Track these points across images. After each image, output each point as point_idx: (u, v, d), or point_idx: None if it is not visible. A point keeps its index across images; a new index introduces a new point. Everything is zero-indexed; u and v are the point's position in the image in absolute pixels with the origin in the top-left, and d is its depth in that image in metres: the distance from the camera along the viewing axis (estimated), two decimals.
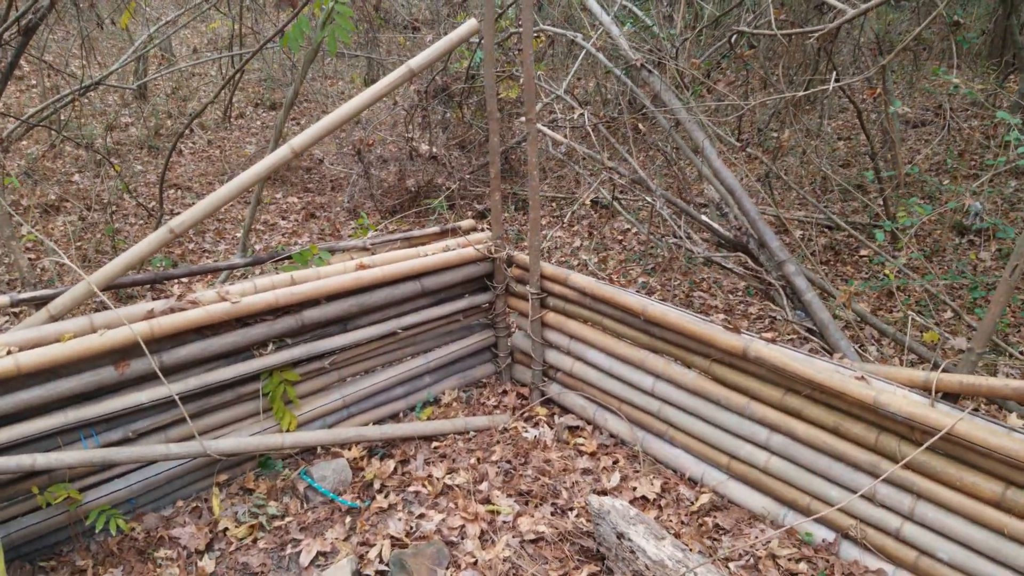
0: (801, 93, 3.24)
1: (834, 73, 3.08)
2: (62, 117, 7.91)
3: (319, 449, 3.30)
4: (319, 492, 3.05)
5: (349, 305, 3.25)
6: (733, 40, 4.33)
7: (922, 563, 2.56)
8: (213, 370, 2.98)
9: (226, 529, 2.91)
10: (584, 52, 5.30)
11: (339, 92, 10.30)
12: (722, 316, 5.22)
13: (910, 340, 3.33)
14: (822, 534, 2.82)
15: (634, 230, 7.07)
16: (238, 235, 6.82)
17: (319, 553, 2.79)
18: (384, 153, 7.35)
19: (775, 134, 8.54)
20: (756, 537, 2.86)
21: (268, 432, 3.17)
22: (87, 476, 2.81)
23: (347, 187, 7.44)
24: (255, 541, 2.86)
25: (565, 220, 5.52)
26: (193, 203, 7.47)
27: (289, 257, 3.29)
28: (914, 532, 2.57)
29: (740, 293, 5.88)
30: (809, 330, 3.68)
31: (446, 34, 7.75)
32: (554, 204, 7.56)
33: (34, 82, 10.23)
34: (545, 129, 4.57)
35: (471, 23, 2.90)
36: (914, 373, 2.64)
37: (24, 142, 8.31)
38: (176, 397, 2.80)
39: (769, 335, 2.92)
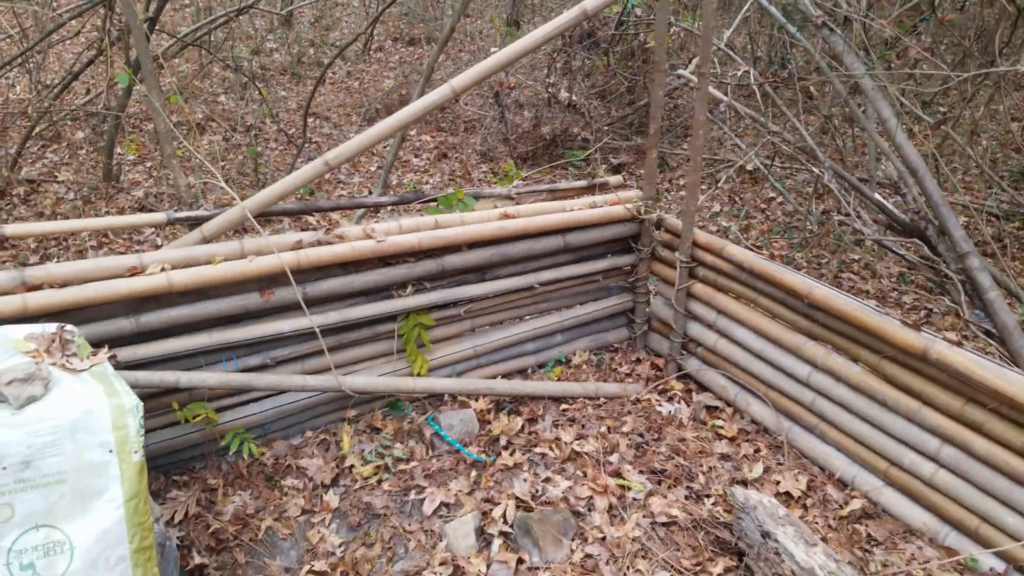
0: (1002, 69, 2.78)
1: None
2: (212, 38, 8.16)
3: (446, 396, 3.24)
4: (445, 440, 2.99)
5: (490, 254, 3.13)
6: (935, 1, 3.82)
7: None
8: (353, 306, 2.94)
9: (352, 466, 2.90)
10: (751, 3, 4.88)
11: (478, 31, 10.12)
12: (874, 302, 4.82)
13: None
14: (990, 562, 2.52)
15: (779, 199, 6.62)
16: (371, 168, 6.86)
17: (442, 503, 2.73)
18: (521, 98, 7.16)
19: (943, 109, 7.74)
20: (913, 555, 2.59)
21: (400, 373, 3.13)
22: (224, 398, 2.85)
23: (480, 129, 7.32)
24: (380, 482, 2.84)
25: (719, 183, 5.17)
26: (331, 132, 7.57)
27: (434, 200, 3.19)
28: None
29: (895, 280, 5.40)
30: (988, 332, 3.28)
31: None
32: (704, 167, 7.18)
33: (187, 1, 10.59)
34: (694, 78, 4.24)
35: None
36: None
37: (175, 60, 8.63)
38: (317, 329, 2.78)
39: (953, 336, 2.59)
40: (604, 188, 3.55)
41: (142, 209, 5.23)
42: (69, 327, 2.14)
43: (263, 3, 7.68)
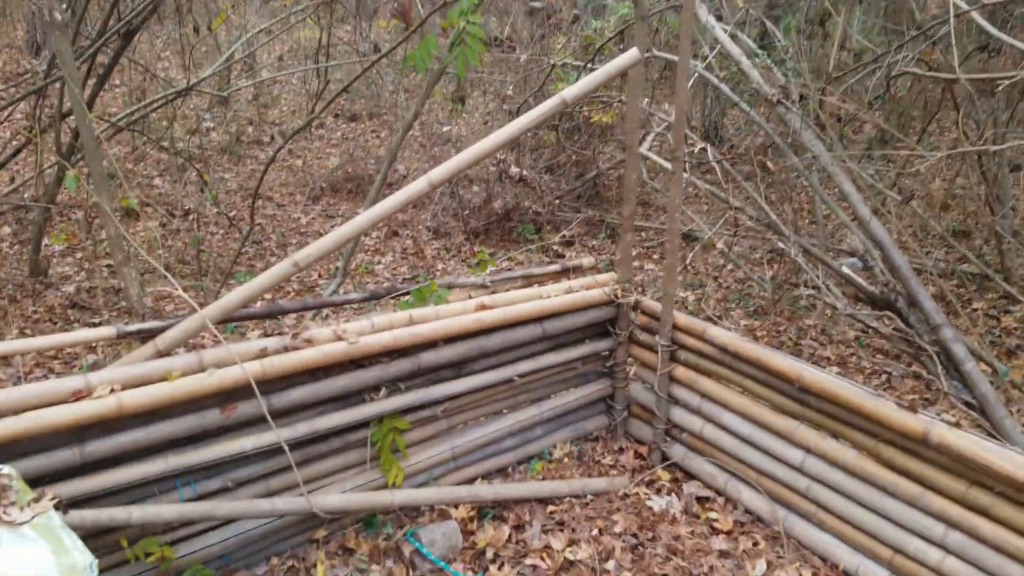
0: (994, 147, 2.85)
1: None
2: (147, 119, 7.90)
3: (423, 507, 3.01)
4: (427, 559, 2.75)
5: (467, 348, 2.96)
6: (890, 81, 3.94)
7: None
8: (322, 415, 2.72)
9: None
10: (695, 78, 4.98)
11: (423, 108, 10.13)
12: (836, 370, 4.82)
13: None
14: None
15: (729, 266, 6.68)
16: None
17: None
18: (471, 173, 7.12)
19: (911, 185, 8.03)
20: None
21: (373, 484, 2.90)
22: (180, 528, 2.56)
23: (430, 205, 7.22)
24: None
25: (688, 259, 5.15)
26: (275, 213, 7.35)
27: (407, 293, 3.02)
28: None
29: (852, 344, 5.44)
30: (968, 403, 3.26)
31: (538, 56, 7.49)
32: (642, 234, 7.22)
33: (117, 82, 10.31)
34: (654, 156, 4.25)
35: (633, 53, 2.60)
36: None
37: (105, 144, 8.33)
38: (284, 444, 2.54)
39: (954, 419, 2.53)
40: (577, 271, 3.46)
41: (73, 306, 4.88)
42: (6, 470, 1.87)
43: (204, 85, 7.51)
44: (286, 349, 2.57)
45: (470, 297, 3.14)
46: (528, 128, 2.53)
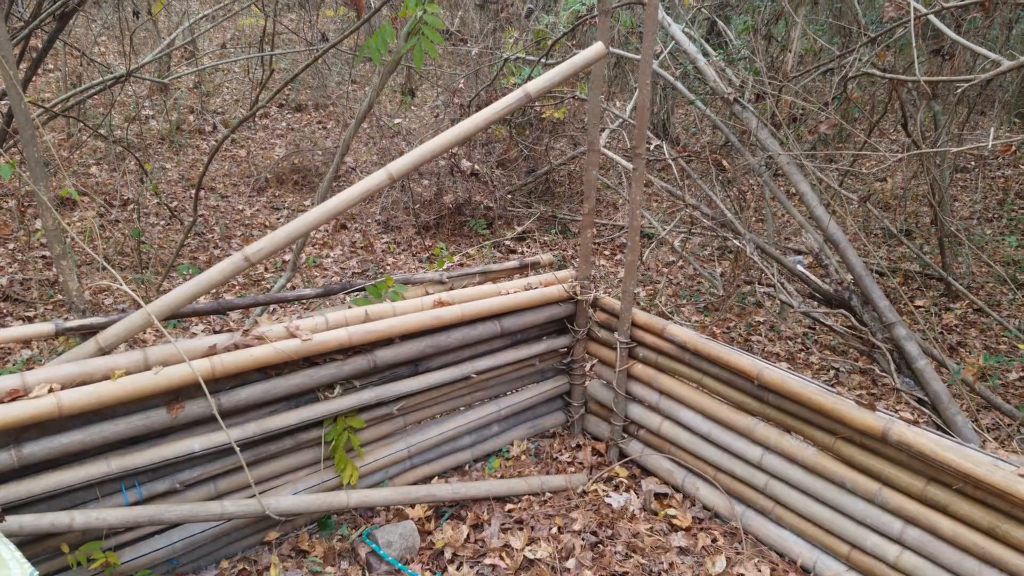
0: (955, 149, 2.91)
1: (992, 128, 2.76)
2: (83, 105, 7.54)
3: (379, 507, 2.92)
4: (384, 560, 2.67)
5: (425, 345, 2.89)
6: (847, 82, 4.00)
7: None
8: (274, 414, 2.61)
9: None
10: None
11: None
12: (786, 365, 4.89)
13: None
14: None
15: (679, 262, 6.75)
16: None
17: None
18: (421, 167, 7.00)
19: (857, 186, 8.20)
20: None
21: (328, 484, 2.80)
22: (125, 532, 2.43)
23: (379, 199, 7.08)
24: None
25: (644, 257, 5.16)
26: (218, 204, 7.11)
27: (362, 289, 2.93)
28: None
29: (799, 340, 5.55)
30: (920, 400, 3.34)
31: (490, 49, 7.42)
32: (594, 230, 7.23)
33: (51, 67, 9.84)
34: (611, 154, 4.24)
35: (599, 47, 2.56)
36: None
37: (40, 130, 7.92)
38: (234, 445, 2.43)
39: (910, 416, 2.58)
40: (535, 267, 3.41)
41: (6, 299, 4.61)
42: None
43: (145, 71, 7.20)
44: (236, 346, 2.45)
45: (427, 293, 3.07)
46: (492, 120, 2.47)
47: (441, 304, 2.94)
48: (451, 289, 3.13)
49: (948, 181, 7.05)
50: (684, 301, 6.00)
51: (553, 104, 6.68)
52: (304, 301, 3.82)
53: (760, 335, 5.48)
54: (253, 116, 8.64)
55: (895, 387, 3.36)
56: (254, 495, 2.54)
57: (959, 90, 3.68)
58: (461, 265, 5.91)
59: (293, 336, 2.55)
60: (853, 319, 3.47)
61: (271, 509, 2.48)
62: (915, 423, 2.53)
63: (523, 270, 3.42)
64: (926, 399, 3.22)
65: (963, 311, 5.93)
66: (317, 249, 6.32)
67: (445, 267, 3.22)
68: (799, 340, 5.39)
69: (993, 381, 4.85)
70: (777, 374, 2.79)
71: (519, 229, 6.70)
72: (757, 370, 2.82)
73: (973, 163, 9.93)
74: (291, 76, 3.61)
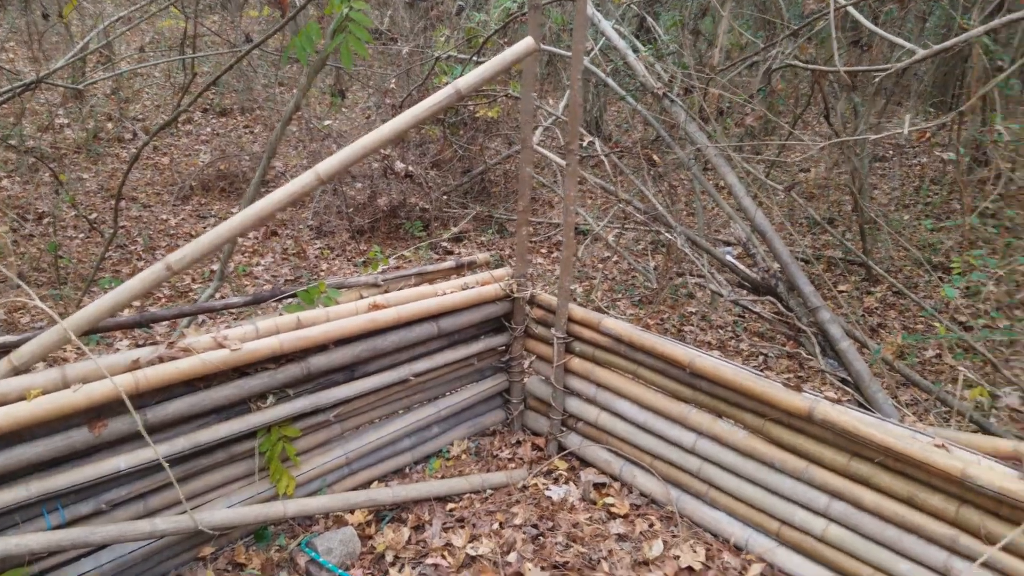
0: (873, 136, 3.03)
1: (907, 116, 2.89)
2: None
3: (318, 515, 2.88)
4: (324, 567, 2.64)
5: (360, 350, 2.86)
6: (771, 74, 4.12)
7: None
8: (204, 427, 2.55)
9: None
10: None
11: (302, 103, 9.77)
12: (717, 353, 5.03)
13: (961, 402, 3.16)
14: None
15: (614, 257, 6.85)
16: None
17: None
18: (354, 169, 6.92)
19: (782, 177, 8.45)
20: None
21: (263, 496, 2.75)
22: (50, 557, 2.33)
23: (311, 203, 6.97)
24: None
25: (579, 253, 5.21)
26: (140, 215, 6.88)
27: (294, 295, 2.88)
28: None
29: (730, 328, 5.70)
30: (843, 380, 3.47)
31: (420, 48, 7.38)
32: (531, 229, 7.27)
33: None
34: (546, 152, 4.28)
35: (528, 42, 2.57)
36: (1000, 442, 2.44)
37: None
38: (163, 461, 2.35)
39: (834, 395, 2.68)
40: (471, 267, 3.42)
41: None
42: None
43: (57, 77, 6.89)
44: (161, 360, 2.38)
45: (361, 297, 3.04)
46: (422, 118, 2.46)
47: (376, 307, 2.92)
48: (386, 292, 3.11)
49: (867, 170, 7.36)
50: (620, 295, 6.09)
51: (486, 103, 6.70)
52: (234, 310, 3.73)
53: (693, 325, 5.61)
54: (175, 121, 8.38)
55: (820, 369, 3.48)
56: (186, 511, 2.47)
57: (876, 79, 3.84)
58: (397, 268, 5.87)
59: (221, 346, 2.50)
60: (780, 305, 3.59)
61: (204, 524, 2.41)
62: (838, 402, 2.64)
63: (459, 270, 3.42)
64: (849, 379, 3.35)
65: (883, 294, 6.19)
66: (247, 257, 6.18)
67: (380, 270, 3.19)
68: (730, 328, 5.54)
69: (911, 359, 5.08)
70: (709, 362, 2.86)
71: (455, 230, 6.69)
72: (689, 359, 2.89)
73: (891, 152, 10.38)
74: (213, 78, 3.52)
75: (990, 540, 2.31)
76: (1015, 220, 6.51)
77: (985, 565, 2.34)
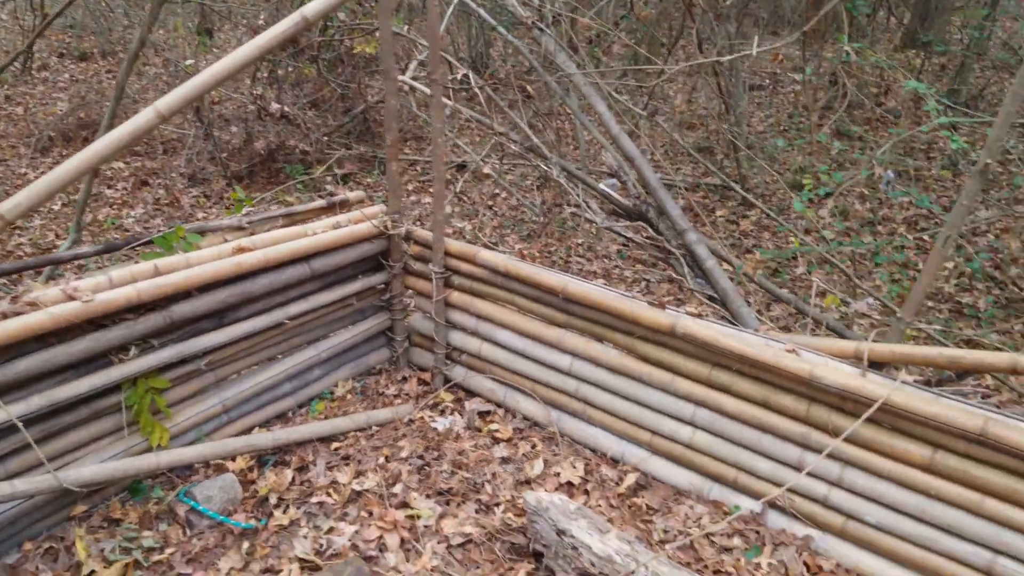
0: (726, 58, 3.11)
1: (755, 38, 2.97)
2: None
3: (197, 464, 2.84)
4: (205, 515, 2.61)
5: (227, 295, 2.78)
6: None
7: (850, 527, 2.58)
8: (62, 384, 2.44)
9: (92, 572, 2.41)
10: (454, 5, 4.95)
11: (163, 41, 9.16)
12: (601, 281, 5.18)
13: (816, 310, 3.39)
14: (749, 505, 2.79)
15: (503, 194, 6.87)
16: (55, 206, 5.88)
17: None
18: (226, 112, 6.61)
19: (652, 102, 8.60)
20: (686, 515, 2.78)
21: (136, 450, 2.67)
22: None
23: (184, 150, 6.62)
24: None
25: (456, 188, 5.18)
26: None
27: (150, 241, 2.75)
28: (842, 498, 2.58)
29: (614, 257, 5.87)
30: (711, 297, 3.66)
31: None
32: (419, 168, 7.17)
33: None
34: (421, 86, 4.20)
35: None
36: (843, 344, 2.64)
37: None
38: (17, 422, 2.25)
39: (693, 310, 2.82)
40: (345, 206, 3.35)
41: None
42: None
43: None
44: (5, 315, 2.25)
45: (226, 241, 2.94)
46: (266, 48, 2.35)
47: (242, 250, 2.83)
48: (253, 235, 3.02)
49: (744, 99, 7.61)
50: (508, 231, 6.14)
51: (361, 37, 6.48)
52: (86, 260, 3.54)
53: (579, 256, 5.74)
54: (16, 61, 7.71)
55: (691, 289, 3.65)
56: (50, 470, 2.38)
57: (745, 5, 3.93)
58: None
59: (72, 299, 2.38)
60: (651, 230, 3.71)
61: (69, 482, 2.34)
62: (699, 316, 2.78)
63: (331, 209, 3.35)
64: (716, 296, 3.53)
65: (757, 217, 6.50)
66: (116, 209, 5.85)
67: (244, 212, 3.09)
68: (615, 257, 5.70)
69: (783, 276, 5.40)
70: (580, 286, 2.95)
71: (339, 172, 6.53)
72: (562, 284, 2.97)
73: (768, 81, 10.75)
74: (55, 14, 3.25)
75: (836, 434, 2.52)
76: (860, 136, 6.91)
77: (831, 456, 2.57)
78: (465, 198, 6.72)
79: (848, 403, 2.49)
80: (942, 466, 2.35)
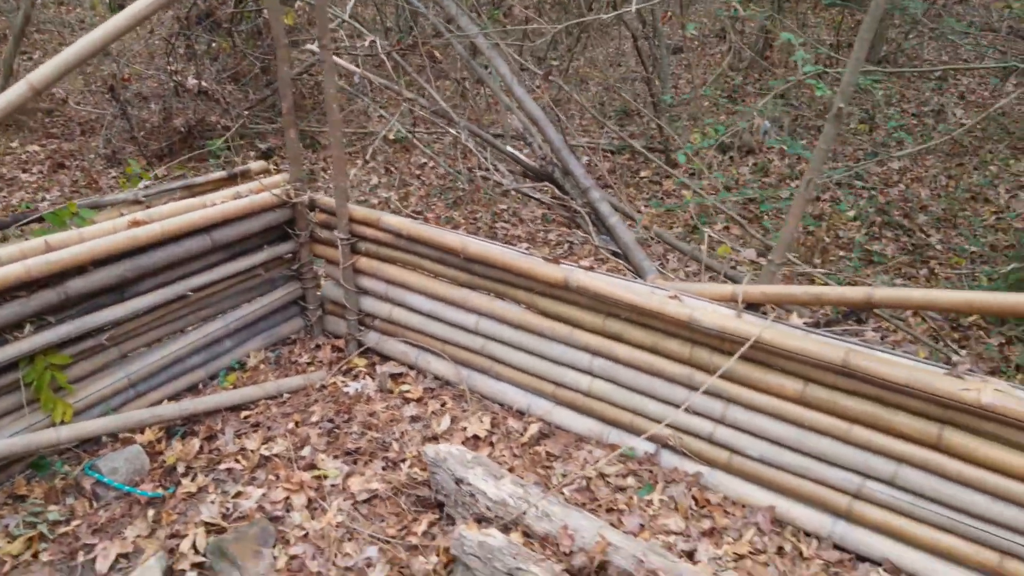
0: (609, 15, 3.18)
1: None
2: None
3: (104, 439, 2.86)
4: (111, 487, 2.65)
5: (124, 269, 2.79)
6: None
7: (735, 461, 2.73)
8: None
9: None
10: None
11: (79, 20, 8.88)
12: (525, 245, 5.27)
13: (707, 256, 3.52)
14: (644, 447, 2.93)
15: (432, 164, 6.89)
16: None
17: (119, 555, 2.43)
18: (143, 90, 6.47)
19: (555, 62, 8.67)
20: (585, 459, 2.91)
21: (37, 427, 2.68)
22: None
23: (101, 131, 6.48)
24: (36, 556, 2.43)
25: (366, 156, 5.19)
26: None
27: (41, 219, 2.74)
28: (726, 435, 2.73)
29: (539, 221, 5.95)
30: (615, 252, 3.77)
31: None
32: (345, 140, 7.13)
33: None
34: (338, 59, 4.20)
35: None
36: (722, 288, 2.77)
37: None
38: None
39: (587, 263, 2.92)
40: (247, 176, 3.36)
41: None
42: None
43: None
44: None
45: (122, 215, 2.94)
46: (140, 18, 2.34)
47: (136, 224, 2.84)
48: (149, 208, 3.02)
49: (668, 63, 7.72)
50: (436, 200, 6.17)
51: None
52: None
53: (505, 221, 5.81)
54: None
55: (596, 244, 3.76)
56: None
57: None
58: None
59: None
60: (557, 190, 3.80)
61: None
62: (590, 269, 2.88)
63: (232, 180, 3.36)
64: (619, 251, 3.65)
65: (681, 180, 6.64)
66: (31, 193, 5.72)
67: (141, 185, 3.08)
68: (538, 221, 5.79)
69: (701, 234, 5.55)
70: (479, 246, 3.03)
71: (263, 147, 6.46)
72: (463, 245, 3.04)
73: (696, 43, 10.87)
74: None
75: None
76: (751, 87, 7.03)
77: (714, 394, 2.71)
78: (393, 169, 6.72)
79: (726, 343, 2.62)
80: (812, 398, 2.51)
